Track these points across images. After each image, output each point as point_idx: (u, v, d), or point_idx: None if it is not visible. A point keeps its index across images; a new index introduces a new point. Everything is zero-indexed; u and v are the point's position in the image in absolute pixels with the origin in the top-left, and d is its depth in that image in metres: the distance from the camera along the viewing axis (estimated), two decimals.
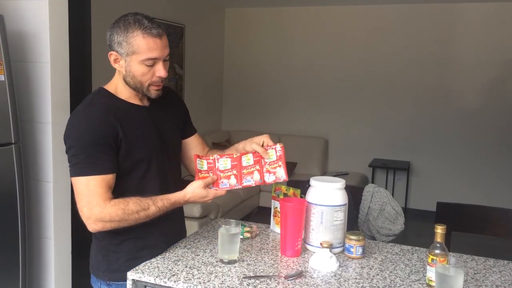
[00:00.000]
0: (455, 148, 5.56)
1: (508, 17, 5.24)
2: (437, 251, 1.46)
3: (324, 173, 5.92)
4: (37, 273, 2.62)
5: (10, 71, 2.33)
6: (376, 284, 1.48)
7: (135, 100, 1.64)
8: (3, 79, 2.30)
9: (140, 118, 1.63)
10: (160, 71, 1.56)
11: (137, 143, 1.58)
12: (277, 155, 1.64)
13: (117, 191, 1.54)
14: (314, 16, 5.97)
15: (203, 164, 1.66)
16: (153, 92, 1.60)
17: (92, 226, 1.51)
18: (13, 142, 2.36)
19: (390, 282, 1.50)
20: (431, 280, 1.46)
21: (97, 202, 1.48)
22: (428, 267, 1.48)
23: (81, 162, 1.49)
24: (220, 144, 5.76)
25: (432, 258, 1.46)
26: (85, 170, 1.49)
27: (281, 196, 1.92)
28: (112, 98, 1.60)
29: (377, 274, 1.56)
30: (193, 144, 1.85)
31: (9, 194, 2.35)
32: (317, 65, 6.02)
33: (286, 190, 1.93)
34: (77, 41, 3.58)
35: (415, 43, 5.59)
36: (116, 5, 4.27)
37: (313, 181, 1.76)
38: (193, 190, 1.57)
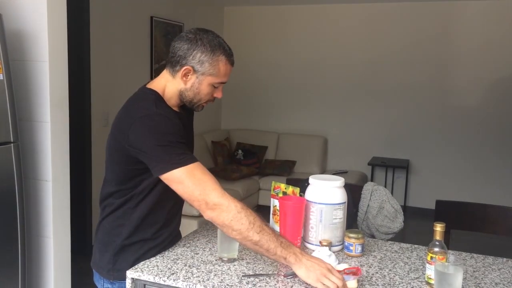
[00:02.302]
0: (454, 147, 5.56)
1: (508, 14, 5.24)
2: (436, 249, 1.46)
3: (323, 171, 5.92)
4: (36, 271, 2.62)
5: (8, 70, 2.32)
6: (375, 282, 1.48)
7: (177, 108, 1.65)
8: (2, 78, 2.29)
9: (185, 126, 1.65)
10: (219, 93, 1.62)
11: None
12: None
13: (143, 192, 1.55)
14: (313, 15, 5.97)
15: None
16: (200, 108, 1.66)
17: (208, 213, 1.42)
18: (11, 141, 2.36)
19: (389, 280, 1.50)
20: (430, 278, 1.46)
21: (214, 187, 1.42)
22: (427, 265, 1.48)
23: (177, 154, 1.43)
24: (219, 142, 5.76)
25: (431, 256, 1.46)
26: (185, 161, 1.43)
27: (280, 195, 1.92)
28: (166, 104, 1.59)
29: (376, 272, 1.56)
30: None
31: (8, 193, 2.35)
32: (316, 64, 6.02)
33: (285, 188, 1.93)
34: (75, 39, 3.58)
35: (415, 42, 5.59)
36: (115, 3, 4.27)
37: (312, 180, 1.76)
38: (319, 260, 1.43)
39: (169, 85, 1.60)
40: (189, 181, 1.42)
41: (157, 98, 1.57)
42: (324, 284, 1.36)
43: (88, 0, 3.93)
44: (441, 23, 5.49)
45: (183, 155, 1.44)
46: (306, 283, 1.44)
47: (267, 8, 6.16)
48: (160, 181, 1.50)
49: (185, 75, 1.56)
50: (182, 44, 1.54)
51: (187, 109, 1.71)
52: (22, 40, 2.49)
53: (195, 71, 1.54)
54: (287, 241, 1.45)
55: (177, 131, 1.50)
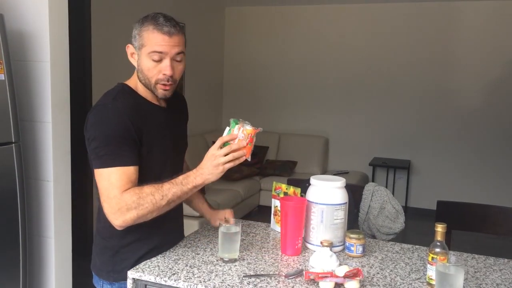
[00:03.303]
0: (455, 147, 5.56)
1: (509, 15, 5.24)
2: (437, 250, 1.46)
3: (324, 171, 5.92)
4: (37, 272, 2.63)
5: (10, 70, 2.33)
6: (377, 283, 1.48)
7: (153, 100, 1.63)
8: (3, 78, 2.30)
9: (160, 120, 1.63)
10: (165, 68, 1.53)
11: (156, 145, 1.58)
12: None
13: None
14: (314, 15, 5.97)
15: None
16: (160, 92, 1.58)
17: (114, 222, 1.47)
18: (13, 141, 2.36)
19: (391, 281, 1.50)
20: (431, 279, 1.46)
21: (114, 194, 1.45)
22: (428, 265, 1.48)
23: (108, 154, 1.46)
24: None
25: (432, 257, 1.46)
26: (110, 162, 1.46)
27: (282, 195, 1.92)
28: (135, 95, 1.60)
29: (378, 273, 1.56)
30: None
31: (9, 193, 2.35)
32: (317, 64, 6.02)
33: (287, 189, 1.93)
34: (77, 40, 3.58)
35: (416, 42, 5.59)
36: (116, 4, 4.27)
37: (313, 180, 1.76)
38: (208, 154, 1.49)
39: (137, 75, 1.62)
40: (103, 183, 1.47)
41: (123, 89, 1.59)
42: (225, 164, 1.47)
43: (89, 0, 3.94)
44: (442, 23, 5.48)
45: (115, 155, 1.46)
46: (307, 284, 1.44)
47: (268, 8, 6.16)
48: (144, 180, 1.51)
49: (132, 55, 1.59)
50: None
51: (178, 105, 1.71)
52: (23, 40, 2.50)
53: (134, 48, 1.57)
54: (182, 176, 1.50)
55: (125, 126, 1.48)
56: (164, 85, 1.56)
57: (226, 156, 1.47)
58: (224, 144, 1.50)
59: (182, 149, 1.78)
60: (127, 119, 1.49)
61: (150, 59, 1.53)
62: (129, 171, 1.48)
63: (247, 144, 1.49)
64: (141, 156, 1.53)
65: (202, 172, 1.49)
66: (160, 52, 1.52)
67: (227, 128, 1.52)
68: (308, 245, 1.74)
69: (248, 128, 1.50)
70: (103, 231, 1.63)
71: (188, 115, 1.88)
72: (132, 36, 1.58)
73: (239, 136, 1.49)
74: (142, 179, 1.53)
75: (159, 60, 1.53)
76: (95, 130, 1.49)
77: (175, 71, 1.56)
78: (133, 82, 1.63)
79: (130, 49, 1.59)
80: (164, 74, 1.54)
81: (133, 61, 1.59)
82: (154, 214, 1.48)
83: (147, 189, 1.46)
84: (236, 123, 1.52)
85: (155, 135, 1.58)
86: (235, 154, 1.47)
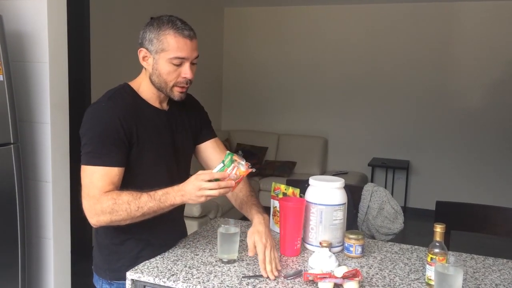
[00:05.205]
0: (455, 147, 5.56)
1: (509, 16, 5.24)
2: (436, 250, 1.46)
3: (323, 172, 5.92)
4: (36, 273, 2.62)
5: (8, 71, 2.33)
6: (376, 283, 1.48)
7: (155, 103, 1.64)
8: (2, 79, 2.29)
9: (158, 122, 1.62)
10: (186, 72, 1.56)
11: (149, 147, 1.58)
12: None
13: None
14: (314, 16, 5.97)
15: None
16: (177, 94, 1.60)
17: (89, 219, 1.50)
18: (12, 142, 2.36)
19: (390, 281, 1.50)
20: (430, 279, 1.46)
21: (93, 194, 1.47)
22: (427, 266, 1.48)
23: (93, 151, 1.48)
24: None
25: (431, 257, 1.46)
26: (94, 160, 1.48)
27: (281, 196, 1.92)
28: (135, 96, 1.61)
29: (377, 273, 1.56)
30: (210, 149, 1.83)
31: (8, 194, 2.35)
32: (316, 65, 6.02)
33: (286, 189, 1.93)
34: (75, 41, 3.58)
35: (415, 43, 5.59)
36: (115, 4, 4.27)
37: (312, 181, 1.76)
38: (194, 178, 1.45)
39: (144, 77, 1.63)
40: (86, 180, 1.49)
41: (122, 89, 1.60)
42: (207, 196, 1.42)
43: (88, 1, 3.94)
44: (442, 24, 5.49)
45: (100, 154, 1.48)
46: (306, 284, 1.44)
47: (267, 9, 6.16)
48: (133, 183, 1.51)
49: (144, 58, 1.58)
50: (140, 33, 1.59)
51: (183, 107, 1.72)
52: (22, 41, 2.49)
53: (149, 51, 1.56)
54: (162, 192, 1.46)
55: (114, 126, 1.49)
56: (182, 87, 1.60)
57: (212, 190, 1.42)
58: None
59: (185, 154, 1.75)
60: (117, 120, 1.50)
61: (170, 64, 1.54)
62: (112, 172, 1.49)
63: (235, 183, 1.46)
64: (130, 158, 1.54)
65: (183, 194, 1.44)
66: (183, 58, 1.54)
67: (221, 164, 1.45)
68: (307, 246, 1.74)
69: (242, 169, 1.46)
70: (99, 229, 1.64)
71: (204, 110, 1.89)
72: (143, 39, 1.57)
73: (231, 175, 1.44)
74: (131, 182, 1.52)
75: (179, 64, 1.55)
76: (86, 128, 1.52)
77: (192, 73, 1.59)
78: (136, 84, 1.63)
79: (142, 53, 1.58)
80: (184, 78, 1.57)
81: (146, 64, 1.59)
82: (127, 222, 1.48)
83: (125, 196, 1.45)
84: (232, 162, 1.45)
85: (150, 138, 1.58)
86: (221, 191, 1.44)
